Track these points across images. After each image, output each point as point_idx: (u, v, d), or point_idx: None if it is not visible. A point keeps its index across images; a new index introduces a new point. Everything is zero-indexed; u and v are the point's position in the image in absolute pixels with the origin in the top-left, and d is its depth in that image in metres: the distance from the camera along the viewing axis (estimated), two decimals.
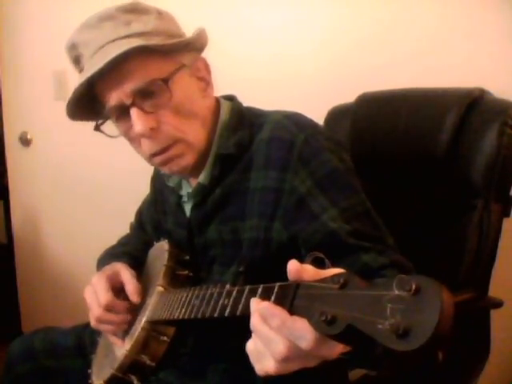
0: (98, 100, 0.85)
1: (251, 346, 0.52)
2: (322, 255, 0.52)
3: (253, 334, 0.52)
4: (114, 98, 0.82)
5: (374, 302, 0.40)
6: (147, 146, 0.85)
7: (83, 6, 1.18)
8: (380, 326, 0.38)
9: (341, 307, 0.42)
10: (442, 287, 0.37)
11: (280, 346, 0.48)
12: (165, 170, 0.90)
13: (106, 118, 0.87)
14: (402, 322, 0.37)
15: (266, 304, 0.50)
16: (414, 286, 0.37)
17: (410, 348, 0.36)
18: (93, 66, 0.78)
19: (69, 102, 0.83)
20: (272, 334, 0.49)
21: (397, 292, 0.39)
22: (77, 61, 0.87)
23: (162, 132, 0.83)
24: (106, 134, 0.88)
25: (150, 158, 0.88)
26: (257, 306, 0.52)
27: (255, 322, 0.51)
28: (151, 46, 0.79)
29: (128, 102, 0.81)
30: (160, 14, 0.86)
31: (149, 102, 0.82)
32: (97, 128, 0.88)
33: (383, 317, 0.38)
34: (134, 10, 0.83)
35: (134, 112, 0.81)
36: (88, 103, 0.86)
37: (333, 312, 0.42)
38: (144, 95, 0.81)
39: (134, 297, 0.91)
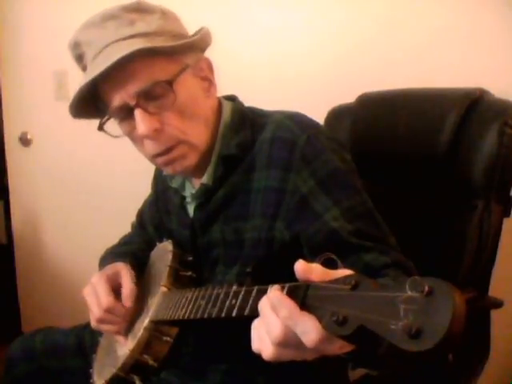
0: (100, 98, 0.85)
1: (255, 324, 0.52)
2: (333, 256, 0.52)
3: (259, 316, 0.52)
4: (117, 98, 0.81)
5: (386, 302, 0.40)
6: (150, 146, 0.84)
7: (83, 6, 1.19)
8: (393, 327, 0.38)
9: (352, 308, 0.42)
10: (455, 289, 0.37)
11: (277, 330, 0.48)
12: (168, 170, 0.90)
13: (108, 117, 0.87)
14: (414, 322, 0.37)
15: (278, 293, 0.50)
16: (426, 288, 0.38)
17: (421, 348, 0.36)
18: (97, 66, 0.78)
19: (72, 101, 0.83)
20: (273, 319, 0.49)
21: (409, 293, 0.39)
22: (80, 59, 0.86)
23: (165, 133, 0.82)
24: (109, 134, 0.87)
25: (153, 158, 0.87)
26: (270, 294, 0.52)
27: (263, 305, 0.51)
28: (156, 48, 0.79)
29: (132, 103, 0.80)
30: (164, 14, 0.85)
31: (153, 104, 0.81)
32: (100, 128, 0.88)
33: (397, 317, 0.38)
34: (138, 10, 0.83)
35: (137, 113, 0.80)
36: (90, 101, 0.85)
37: (344, 312, 0.42)
38: (148, 97, 0.81)
39: (127, 302, 0.91)
